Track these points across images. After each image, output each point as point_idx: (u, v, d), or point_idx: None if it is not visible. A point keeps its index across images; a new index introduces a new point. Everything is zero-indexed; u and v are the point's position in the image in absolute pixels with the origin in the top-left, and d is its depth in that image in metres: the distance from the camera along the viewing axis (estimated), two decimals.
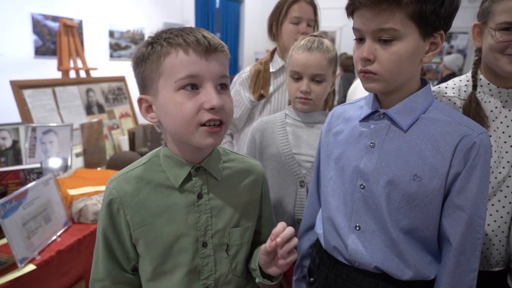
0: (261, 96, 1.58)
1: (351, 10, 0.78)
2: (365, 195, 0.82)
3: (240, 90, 1.62)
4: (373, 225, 0.82)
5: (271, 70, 1.60)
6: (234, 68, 6.84)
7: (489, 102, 1.04)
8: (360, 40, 0.78)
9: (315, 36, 1.15)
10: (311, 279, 0.98)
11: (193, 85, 0.71)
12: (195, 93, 0.71)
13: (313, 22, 1.58)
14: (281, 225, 0.73)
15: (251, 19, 6.63)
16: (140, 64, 0.73)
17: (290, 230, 0.73)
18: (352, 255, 0.84)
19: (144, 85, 0.76)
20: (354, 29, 0.78)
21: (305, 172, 1.15)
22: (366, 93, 0.88)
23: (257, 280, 0.87)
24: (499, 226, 1.02)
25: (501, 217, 1.02)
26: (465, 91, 1.07)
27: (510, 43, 0.94)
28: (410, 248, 0.79)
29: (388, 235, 0.80)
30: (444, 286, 0.78)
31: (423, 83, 0.83)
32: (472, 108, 1.01)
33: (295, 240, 0.74)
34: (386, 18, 0.72)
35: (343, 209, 0.86)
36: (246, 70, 1.68)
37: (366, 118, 0.85)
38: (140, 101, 0.77)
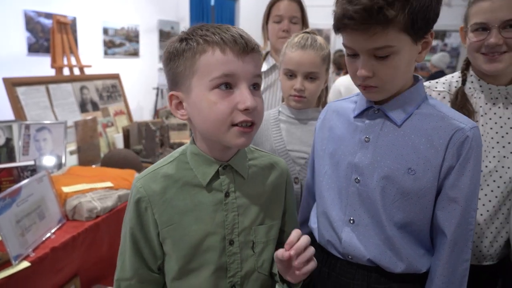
0: None
1: (338, 28, 0.77)
2: (359, 189, 0.84)
3: None
4: (367, 219, 0.83)
5: (262, 69, 1.62)
6: None
7: (479, 98, 1.06)
8: (353, 55, 0.78)
9: (308, 33, 1.15)
10: None
11: (227, 84, 0.70)
12: (229, 93, 0.70)
13: (298, 19, 1.58)
14: (295, 233, 0.72)
15: (246, 17, 6.62)
16: (173, 59, 0.72)
17: (304, 240, 0.72)
18: (346, 248, 0.85)
19: (176, 82, 0.75)
20: (345, 46, 0.78)
21: (299, 168, 1.16)
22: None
23: (276, 287, 0.86)
24: (484, 220, 1.04)
25: (487, 210, 1.04)
26: (455, 87, 1.10)
27: (482, 43, 0.99)
28: (404, 241, 0.81)
29: (381, 228, 0.82)
30: (439, 277, 0.80)
31: (416, 79, 0.84)
32: (460, 102, 1.04)
33: (311, 249, 0.73)
34: (379, 37, 0.71)
35: (338, 203, 0.88)
36: None
37: (360, 114, 0.86)
38: (171, 97, 0.76)
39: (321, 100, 1.23)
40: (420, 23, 0.72)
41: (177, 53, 0.72)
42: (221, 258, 0.80)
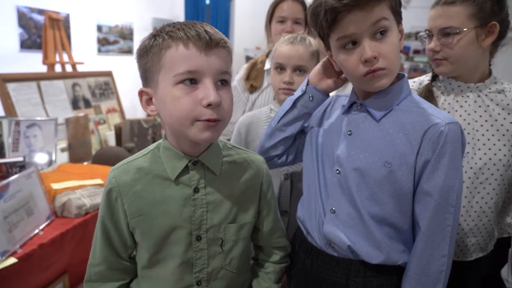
0: (252, 87, 1.61)
1: (335, 18, 0.76)
2: (340, 179, 0.86)
3: (237, 86, 1.66)
4: (347, 209, 0.85)
5: (265, 68, 1.65)
6: None
7: (449, 96, 1.10)
8: (354, 43, 0.78)
9: (297, 34, 1.20)
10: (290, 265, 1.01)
11: (192, 80, 0.71)
12: (193, 88, 0.71)
13: (302, 20, 1.60)
14: None
15: (241, 16, 6.61)
16: (143, 56, 0.74)
17: None
18: (327, 235, 0.87)
19: (145, 78, 0.76)
20: (345, 36, 0.78)
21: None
22: None
23: None
24: (470, 215, 1.06)
25: (481, 207, 1.05)
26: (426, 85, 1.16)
27: (430, 51, 1.08)
28: (382, 234, 0.82)
29: (360, 219, 0.83)
30: (413, 269, 0.81)
31: (400, 76, 0.86)
32: (424, 97, 1.05)
33: None
34: (377, 10, 0.75)
35: (323, 193, 0.90)
36: (242, 67, 1.73)
37: (349, 108, 0.89)
38: (141, 93, 0.77)
39: None
40: (399, 7, 0.79)
41: (146, 50, 0.73)
42: (187, 252, 0.80)
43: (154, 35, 0.72)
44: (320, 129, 0.95)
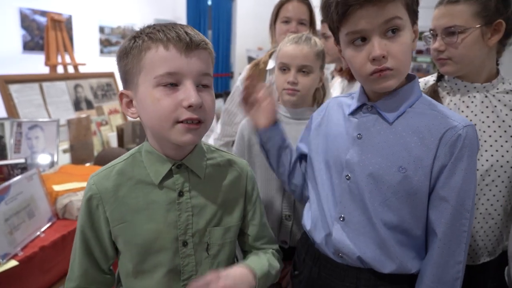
0: None
1: (346, 11, 0.74)
2: (350, 186, 0.82)
3: (239, 86, 1.65)
4: (357, 216, 0.82)
5: (268, 67, 1.64)
6: (226, 65, 6.83)
7: (455, 96, 1.08)
8: (363, 40, 0.76)
9: (302, 33, 1.18)
10: (296, 272, 0.99)
11: (172, 82, 0.69)
12: (174, 90, 0.70)
13: (306, 21, 1.59)
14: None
15: (243, 17, 6.61)
16: (123, 58, 0.72)
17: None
18: (336, 244, 0.84)
19: (125, 80, 0.74)
20: (354, 31, 0.75)
21: None
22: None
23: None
24: (475, 218, 1.04)
25: (487, 209, 1.03)
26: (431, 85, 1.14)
27: (434, 50, 1.07)
28: (394, 241, 0.80)
29: (372, 226, 0.80)
30: (428, 277, 0.78)
31: (411, 77, 0.83)
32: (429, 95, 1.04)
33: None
34: (390, 7, 0.73)
35: (331, 200, 0.86)
36: (245, 68, 1.74)
37: (356, 111, 0.86)
38: (121, 95, 0.76)
39: (317, 101, 1.22)
40: (414, 4, 0.76)
41: (126, 52, 0.71)
42: (174, 259, 0.78)
43: (134, 37, 0.71)
44: (321, 135, 0.93)
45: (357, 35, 0.75)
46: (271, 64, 1.64)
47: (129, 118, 2.80)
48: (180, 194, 0.78)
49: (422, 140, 0.77)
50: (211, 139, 1.80)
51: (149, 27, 0.72)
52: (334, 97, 0.98)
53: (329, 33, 1.63)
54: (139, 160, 0.79)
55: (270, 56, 1.67)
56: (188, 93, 0.69)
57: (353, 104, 0.87)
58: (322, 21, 1.64)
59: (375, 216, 0.79)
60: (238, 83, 1.68)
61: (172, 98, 0.69)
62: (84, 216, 0.78)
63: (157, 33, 0.69)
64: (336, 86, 1.79)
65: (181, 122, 0.70)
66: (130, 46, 0.71)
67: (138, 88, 0.72)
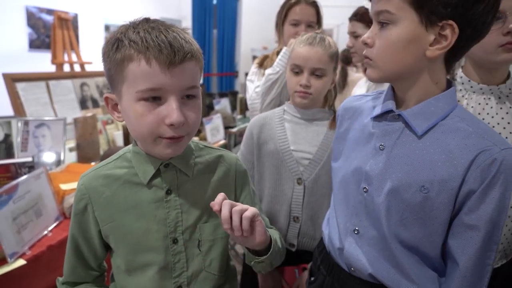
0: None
1: None
2: (367, 199, 0.77)
3: (255, 71, 1.70)
4: (372, 231, 0.77)
5: None
6: (231, 64, 6.82)
7: (471, 99, 1.05)
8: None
9: (316, 33, 1.15)
10: (312, 278, 0.96)
11: (155, 97, 0.67)
12: (156, 105, 0.67)
13: (315, 24, 1.60)
14: (219, 200, 0.70)
15: (248, 16, 6.60)
16: (106, 60, 0.70)
17: (226, 207, 0.69)
18: (348, 258, 0.81)
19: (111, 83, 0.72)
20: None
21: (303, 169, 1.13)
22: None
23: (247, 261, 0.84)
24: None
25: None
26: None
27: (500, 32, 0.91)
28: (410, 261, 0.74)
29: (386, 244, 0.75)
30: None
31: (447, 85, 0.74)
32: None
33: (247, 214, 0.70)
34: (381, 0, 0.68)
35: (345, 210, 0.82)
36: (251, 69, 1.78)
37: (378, 117, 0.78)
38: (106, 99, 0.75)
39: (328, 102, 1.20)
40: (432, 1, 0.63)
41: (109, 54, 0.68)
42: (165, 257, 0.78)
43: (118, 39, 0.67)
44: (343, 139, 0.87)
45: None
46: None
47: None
48: (168, 192, 0.78)
49: (450, 160, 0.68)
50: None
51: (134, 27, 0.67)
52: (351, 98, 0.92)
53: (358, 31, 1.59)
54: (127, 160, 0.80)
55: (277, 54, 1.67)
56: (170, 110, 0.67)
57: (377, 108, 0.79)
58: (351, 19, 1.62)
59: (390, 233, 0.74)
60: (253, 69, 1.74)
61: (154, 115, 0.67)
62: (73, 216, 0.79)
63: (140, 42, 0.65)
64: (362, 85, 1.74)
65: (163, 137, 0.70)
66: (113, 50, 0.67)
67: (122, 97, 0.70)
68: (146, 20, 0.70)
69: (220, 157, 0.86)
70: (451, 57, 0.70)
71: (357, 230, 0.79)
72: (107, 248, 0.83)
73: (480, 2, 0.63)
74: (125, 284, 0.81)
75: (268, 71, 1.55)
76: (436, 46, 0.66)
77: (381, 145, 0.76)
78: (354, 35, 1.63)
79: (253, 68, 1.75)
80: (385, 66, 0.71)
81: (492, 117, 1.03)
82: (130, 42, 0.65)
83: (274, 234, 0.86)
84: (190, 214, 0.79)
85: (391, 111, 0.76)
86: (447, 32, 0.65)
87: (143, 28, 0.67)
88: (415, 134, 0.72)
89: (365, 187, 0.77)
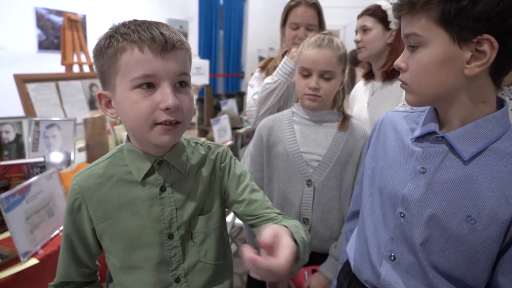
0: None
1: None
2: (404, 225, 0.72)
3: (257, 76, 1.70)
4: (410, 258, 0.72)
5: None
6: (237, 65, 6.83)
7: None
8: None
9: (325, 34, 1.15)
10: None
11: (149, 84, 0.69)
12: (151, 92, 0.69)
13: (315, 26, 1.58)
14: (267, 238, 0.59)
15: (255, 17, 6.60)
16: (98, 57, 0.72)
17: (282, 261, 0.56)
18: (384, 285, 0.75)
19: (103, 80, 0.74)
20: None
21: (312, 171, 1.14)
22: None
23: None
24: None
25: None
26: None
27: None
28: None
29: (425, 273, 0.70)
30: None
31: (499, 104, 0.67)
32: None
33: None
34: (410, 22, 0.66)
35: (379, 234, 0.77)
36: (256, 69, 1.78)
37: (420, 138, 0.74)
38: (99, 96, 0.76)
39: (337, 103, 1.20)
40: (457, 17, 0.59)
41: (101, 51, 0.71)
42: (161, 252, 0.79)
43: (109, 36, 0.70)
44: (378, 155, 0.82)
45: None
46: None
47: None
48: (162, 189, 0.79)
49: (502, 190, 0.62)
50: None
51: (124, 25, 0.70)
52: (391, 112, 0.86)
53: (368, 25, 1.54)
54: (120, 158, 0.80)
55: (283, 55, 1.67)
56: (164, 95, 0.69)
57: (419, 129, 0.74)
58: (361, 15, 1.60)
59: (429, 264, 0.69)
60: (255, 74, 1.72)
61: (149, 101, 0.69)
62: (67, 215, 0.80)
63: (132, 34, 0.68)
64: (361, 89, 1.69)
65: (160, 123, 0.70)
66: (105, 46, 0.70)
67: (116, 89, 0.72)
68: (135, 20, 0.73)
69: (208, 151, 0.87)
70: (497, 72, 0.64)
71: (394, 256, 0.74)
72: (101, 246, 0.84)
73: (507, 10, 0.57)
74: (123, 281, 0.82)
75: (267, 79, 1.54)
76: (474, 64, 0.62)
77: (422, 168, 0.71)
78: (363, 29, 1.59)
79: (256, 72, 1.74)
80: (422, 89, 0.68)
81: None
82: (122, 35, 0.68)
83: (298, 229, 0.75)
84: (184, 210, 0.81)
85: (434, 132, 0.71)
86: (485, 47, 0.60)
87: (133, 24, 0.70)
88: (460, 159, 0.67)
89: (402, 212, 0.72)
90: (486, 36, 0.59)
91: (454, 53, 0.62)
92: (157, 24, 0.71)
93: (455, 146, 0.67)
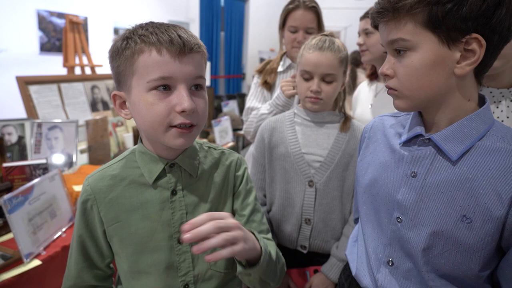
0: (266, 83, 1.63)
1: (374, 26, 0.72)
2: (401, 230, 0.72)
3: (256, 81, 1.69)
4: (408, 263, 0.71)
5: (278, 70, 1.65)
6: (238, 67, 6.84)
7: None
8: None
9: (326, 35, 1.14)
10: None
11: (165, 86, 0.69)
12: (167, 94, 0.69)
13: (314, 29, 1.57)
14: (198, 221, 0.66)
15: (256, 18, 6.62)
16: (115, 58, 0.72)
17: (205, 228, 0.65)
18: None
19: (118, 81, 0.74)
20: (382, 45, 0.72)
21: (314, 171, 1.14)
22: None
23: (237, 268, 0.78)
24: None
25: None
26: None
27: None
28: None
29: (423, 277, 0.70)
30: None
31: (480, 102, 0.68)
32: None
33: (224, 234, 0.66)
34: (394, 28, 0.65)
35: (376, 239, 0.77)
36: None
37: (407, 142, 0.74)
38: (114, 97, 0.76)
39: (338, 104, 1.21)
40: (445, 19, 0.60)
41: (118, 52, 0.71)
42: (170, 257, 0.79)
43: (127, 37, 0.70)
44: (369, 160, 0.82)
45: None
46: (281, 67, 1.65)
47: None
48: (173, 192, 0.79)
49: (493, 187, 0.63)
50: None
51: (141, 27, 0.71)
52: (380, 117, 0.87)
53: (371, 28, 1.55)
54: (133, 161, 0.80)
55: (281, 57, 1.67)
56: (181, 98, 0.69)
57: (405, 133, 0.74)
58: (363, 17, 1.58)
59: (428, 267, 0.69)
60: (254, 80, 1.72)
61: (165, 103, 0.69)
62: (79, 217, 0.80)
63: (150, 35, 0.68)
64: (365, 90, 1.69)
65: (175, 126, 0.70)
66: (122, 47, 0.70)
67: (132, 90, 0.72)
68: (152, 22, 0.73)
69: (222, 157, 0.87)
70: (480, 70, 0.66)
71: (391, 261, 0.74)
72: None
73: (500, 6, 0.59)
74: (132, 285, 0.82)
75: (262, 109, 1.51)
76: (464, 63, 0.63)
77: (413, 172, 0.71)
78: (365, 32, 1.58)
79: (255, 79, 1.72)
80: (413, 94, 0.67)
81: (502, 120, 1.02)
82: (140, 37, 0.69)
83: (270, 247, 0.82)
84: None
85: (420, 135, 0.71)
86: (474, 46, 0.61)
87: (151, 26, 0.71)
88: (449, 160, 0.67)
89: (398, 217, 0.72)
90: (474, 35, 0.61)
91: (444, 54, 0.63)
92: (174, 27, 0.71)
93: (442, 147, 0.67)
